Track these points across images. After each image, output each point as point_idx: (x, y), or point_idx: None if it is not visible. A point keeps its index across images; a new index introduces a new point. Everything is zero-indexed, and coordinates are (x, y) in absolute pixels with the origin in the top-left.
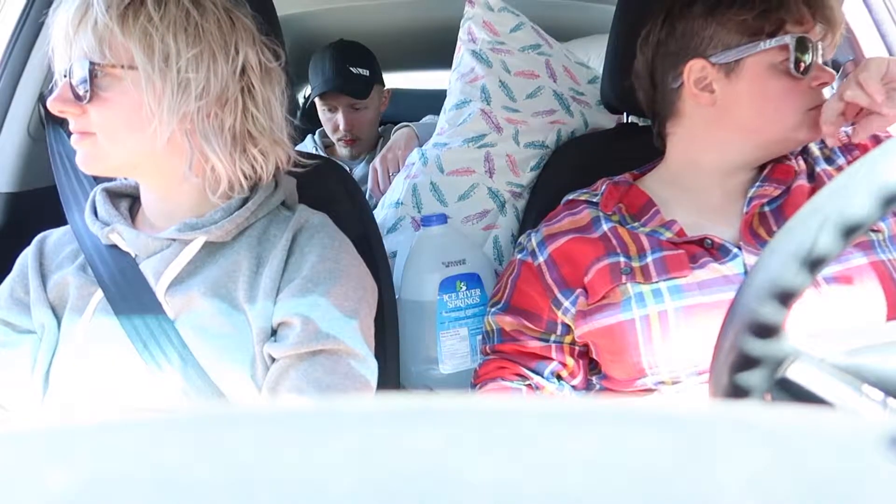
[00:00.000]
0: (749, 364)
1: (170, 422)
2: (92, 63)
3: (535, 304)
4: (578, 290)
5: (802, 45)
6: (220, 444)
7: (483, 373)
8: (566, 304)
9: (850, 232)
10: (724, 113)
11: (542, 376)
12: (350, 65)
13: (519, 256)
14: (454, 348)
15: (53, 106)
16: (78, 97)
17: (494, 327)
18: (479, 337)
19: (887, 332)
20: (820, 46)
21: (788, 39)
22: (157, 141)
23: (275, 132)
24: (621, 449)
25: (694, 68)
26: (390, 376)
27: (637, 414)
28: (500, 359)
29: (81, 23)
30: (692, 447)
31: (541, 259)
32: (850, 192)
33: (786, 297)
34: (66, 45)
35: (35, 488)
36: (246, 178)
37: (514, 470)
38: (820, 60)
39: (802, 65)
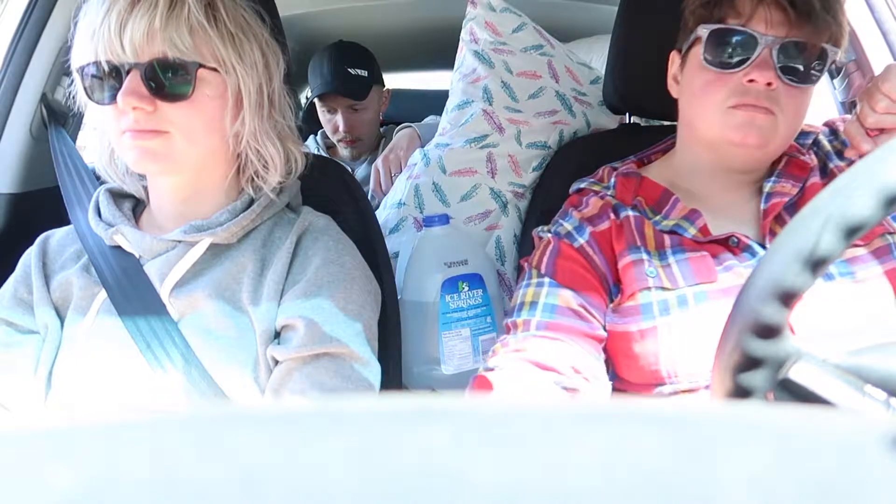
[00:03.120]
0: (751, 364)
1: (172, 421)
2: (199, 64)
3: (590, 287)
4: (619, 285)
5: (722, 36)
6: (222, 444)
7: (527, 348)
8: (615, 298)
9: (852, 232)
10: (681, 106)
11: (606, 375)
12: (348, 66)
13: (550, 235)
14: (456, 349)
15: (127, 101)
16: (153, 92)
17: (544, 300)
18: (482, 337)
19: (889, 332)
20: (769, 41)
21: (701, 31)
22: (232, 142)
23: (294, 131)
24: (623, 449)
25: (673, 60)
26: (392, 377)
27: (639, 414)
28: (556, 339)
29: (171, 18)
30: (694, 447)
31: (581, 241)
32: (851, 193)
33: (788, 298)
34: (146, 40)
35: (37, 488)
36: (287, 173)
37: (516, 470)
38: (774, 57)
39: (724, 58)
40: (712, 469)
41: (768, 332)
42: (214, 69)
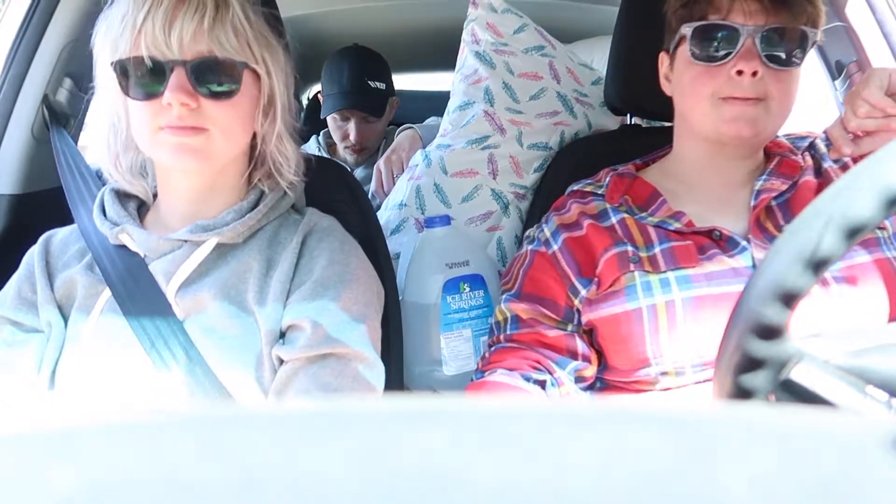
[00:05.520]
0: (753, 365)
1: (175, 422)
2: (245, 63)
3: (550, 291)
4: (594, 279)
5: (705, 32)
6: (225, 445)
7: (496, 360)
8: (583, 292)
9: (853, 233)
10: (675, 102)
11: (565, 371)
12: (369, 78)
13: (530, 247)
14: (458, 350)
15: (176, 97)
16: (199, 90)
17: (508, 315)
18: (483, 338)
19: (891, 333)
20: (750, 31)
21: (685, 29)
22: (259, 141)
23: (297, 132)
24: (625, 450)
25: (662, 61)
26: (394, 378)
27: (641, 415)
28: (518, 348)
29: (218, 19)
30: (696, 448)
31: (555, 247)
32: (853, 194)
33: (790, 299)
34: (193, 39)
35: (40, 488)
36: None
37: (517, 471)
38: (757, 46)
39: (710, 52)
40: (713, 470)
41: (770, 333)
42: (254, 70)
